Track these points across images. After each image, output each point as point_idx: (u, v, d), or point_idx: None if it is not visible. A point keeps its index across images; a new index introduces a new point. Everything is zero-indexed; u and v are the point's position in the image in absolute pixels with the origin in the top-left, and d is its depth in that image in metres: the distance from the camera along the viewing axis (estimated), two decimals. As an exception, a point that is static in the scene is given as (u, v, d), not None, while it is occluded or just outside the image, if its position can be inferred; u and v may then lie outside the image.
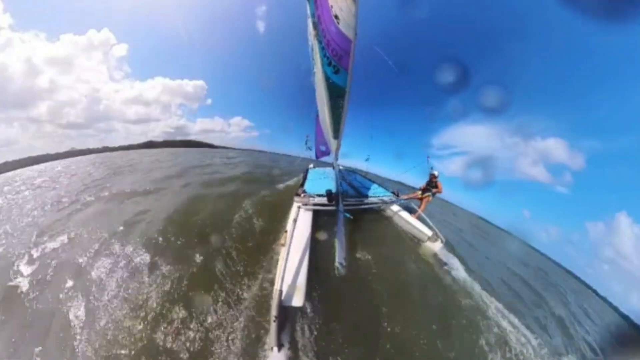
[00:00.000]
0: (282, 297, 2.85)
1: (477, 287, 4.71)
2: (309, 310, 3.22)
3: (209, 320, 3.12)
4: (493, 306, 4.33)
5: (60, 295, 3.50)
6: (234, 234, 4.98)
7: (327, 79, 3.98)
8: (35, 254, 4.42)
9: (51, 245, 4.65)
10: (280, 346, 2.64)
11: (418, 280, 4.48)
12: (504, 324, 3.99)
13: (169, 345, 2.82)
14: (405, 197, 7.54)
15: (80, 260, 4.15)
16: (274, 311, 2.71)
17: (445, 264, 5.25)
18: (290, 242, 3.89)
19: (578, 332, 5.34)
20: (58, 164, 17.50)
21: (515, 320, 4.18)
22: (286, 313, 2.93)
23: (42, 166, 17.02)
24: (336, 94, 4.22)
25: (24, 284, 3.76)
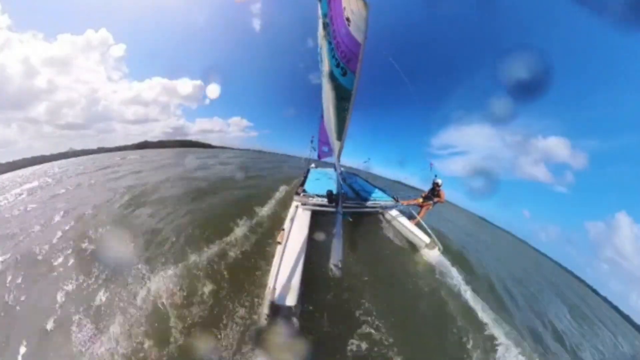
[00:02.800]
0: (275, 296, 2.84)
1: (473, 296, 4.68)
2: (302, 310, 3.20)
3: (201, 317, 3.08)
4: (489, 315, 4.29)
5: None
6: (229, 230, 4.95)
7: (334, 80, 3.99)
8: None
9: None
10: (272, 344, 2.64)
11: (413, 287, 4.46)
12: (500, 333, 3.95)
13: (158, 341, 2.79)
14: (406, 203, 7.53)
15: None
16: (266, 310, 2.73)
17: (442, 271, 5.23)
18: (287, 240, 3.87)
19: (579, 338, 5.29)
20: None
21: (513, 331, 4.14)
22: (279, 312, 2.92)
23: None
24: (342, 96, 4.18)
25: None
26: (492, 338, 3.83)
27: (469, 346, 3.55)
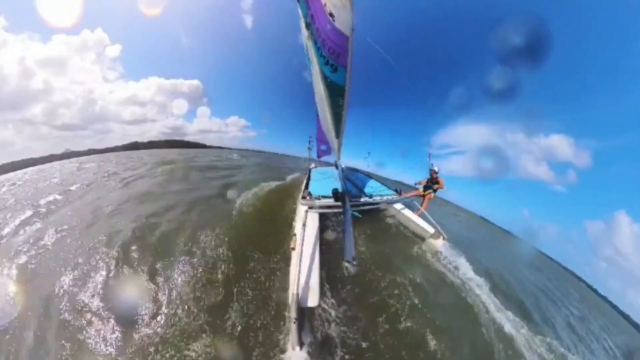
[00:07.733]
0: (299, 299, 2.97)
1: (480, 284, 4.69)
2: (324, 309, 3.38)
3: (231, 323, 3.22)
4: (496, 303, 4.31)
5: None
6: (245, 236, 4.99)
7: (325, 78, 3.90)
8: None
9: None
10: (301, 345, 2.79)
11: (423, 277, 4.47)
12: (507, 321, 3.99)
13: (186, 347, 2.90)
14: (408, 195, 7.51)
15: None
16: (293, 313, 2.83)
17: (448, 259, 5.22)
18: (302, 245, 3.94)
19: (582, 332, 5.38)
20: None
21: (517, 318, 4.18)
22: (304, 313, 3.07)
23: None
24: (336, 93, 4.18)
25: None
26: (501, 323, 3.89)
27: (482, 333, 3.61)
